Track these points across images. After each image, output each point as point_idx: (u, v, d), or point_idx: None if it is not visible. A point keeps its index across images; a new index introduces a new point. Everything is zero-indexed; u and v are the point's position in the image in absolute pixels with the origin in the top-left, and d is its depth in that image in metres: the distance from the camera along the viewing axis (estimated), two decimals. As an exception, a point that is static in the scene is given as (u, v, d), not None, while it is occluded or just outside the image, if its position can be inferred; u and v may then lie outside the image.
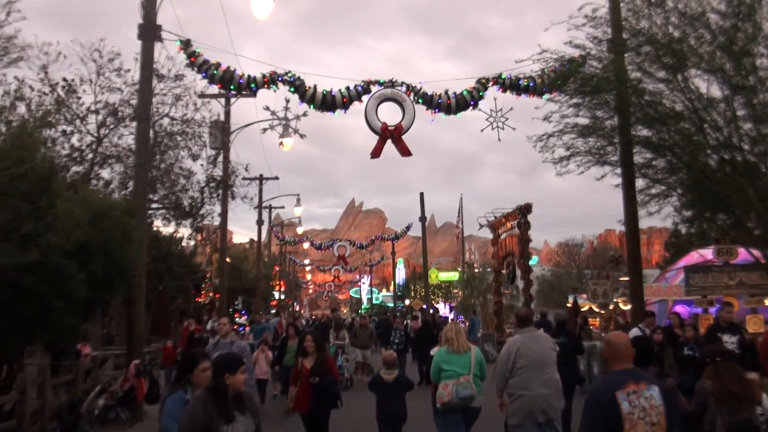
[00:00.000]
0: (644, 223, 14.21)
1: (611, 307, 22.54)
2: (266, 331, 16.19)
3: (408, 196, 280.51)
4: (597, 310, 25.83)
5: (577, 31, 12.09)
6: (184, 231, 21.28)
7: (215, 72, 13.09)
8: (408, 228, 43.27)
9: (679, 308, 17.29)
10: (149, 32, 12.89)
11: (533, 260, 37.25)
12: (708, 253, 15.55)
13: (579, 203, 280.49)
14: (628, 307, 19.23)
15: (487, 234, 24.43)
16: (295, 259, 64.77)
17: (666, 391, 4.00)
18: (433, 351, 7.81)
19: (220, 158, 20.55)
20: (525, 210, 19.07)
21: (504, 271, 22.64)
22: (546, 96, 13.42)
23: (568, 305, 30.60)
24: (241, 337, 19.19)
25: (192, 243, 27.51)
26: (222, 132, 19.65)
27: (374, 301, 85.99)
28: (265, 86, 13.45)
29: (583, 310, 27.85)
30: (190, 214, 19.44)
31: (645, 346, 5.36)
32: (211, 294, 30.88)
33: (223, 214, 21.42)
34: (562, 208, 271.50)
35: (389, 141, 13.74)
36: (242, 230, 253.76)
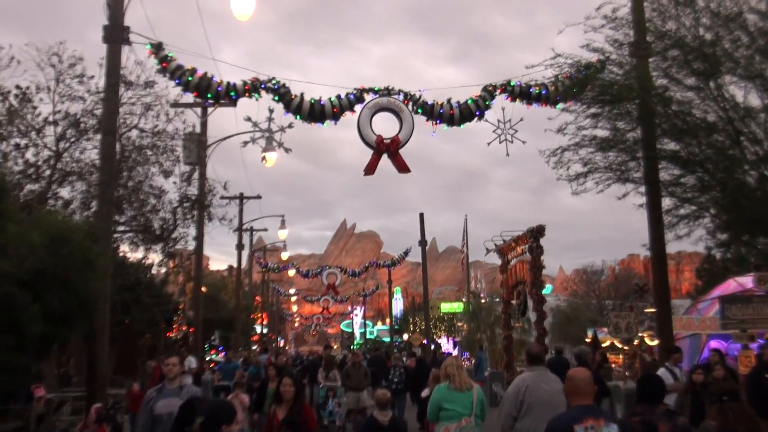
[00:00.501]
0: (672, 248, 14.16)
1: (636, 342, 22.38)
2: (237, 370, 15.96)
3: (406, 218, 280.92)
4: (620, 345, 25.63)
5: (595, 33, 12.17)
6: (155, 257, 21.11)
7: (190, 78, 13.08)
8: (406, 253, 43.32)
9: (714, 343, 17.13)
10: (116, 34, 12.87)
11: (547, 289, 37.26)
12: (747, 281, 15.48)
13: (598, 225, 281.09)
14: (655, 342, 19.11)
15: (494, 260, 24.39)
16: (280, 289, 64.69)
17: (625, 428, 4.39)
18: (425, 393, 7.73)
19: (196, 175, 20.49)
20: (537, 233, 19.00)
21: (514, 302, 22.51)
22: (560, 105, 13.46)
23: (588, 340, 30.53)
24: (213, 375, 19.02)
25: (163, 270, 27.36)
26: (198, 145, 19.59)
27: (368, 336, 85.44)
28: (246, 94, 13.44)
29: (603, 345, 27.75)
30: (161, 238, 19.29)
31: (650, 384, 5.74)
32: (184, 328, 30.61)
33: (199, 238, 21.29)
34: (579, 230, 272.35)
35: (385, 156, 13.71)
36: (220, 256, 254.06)
